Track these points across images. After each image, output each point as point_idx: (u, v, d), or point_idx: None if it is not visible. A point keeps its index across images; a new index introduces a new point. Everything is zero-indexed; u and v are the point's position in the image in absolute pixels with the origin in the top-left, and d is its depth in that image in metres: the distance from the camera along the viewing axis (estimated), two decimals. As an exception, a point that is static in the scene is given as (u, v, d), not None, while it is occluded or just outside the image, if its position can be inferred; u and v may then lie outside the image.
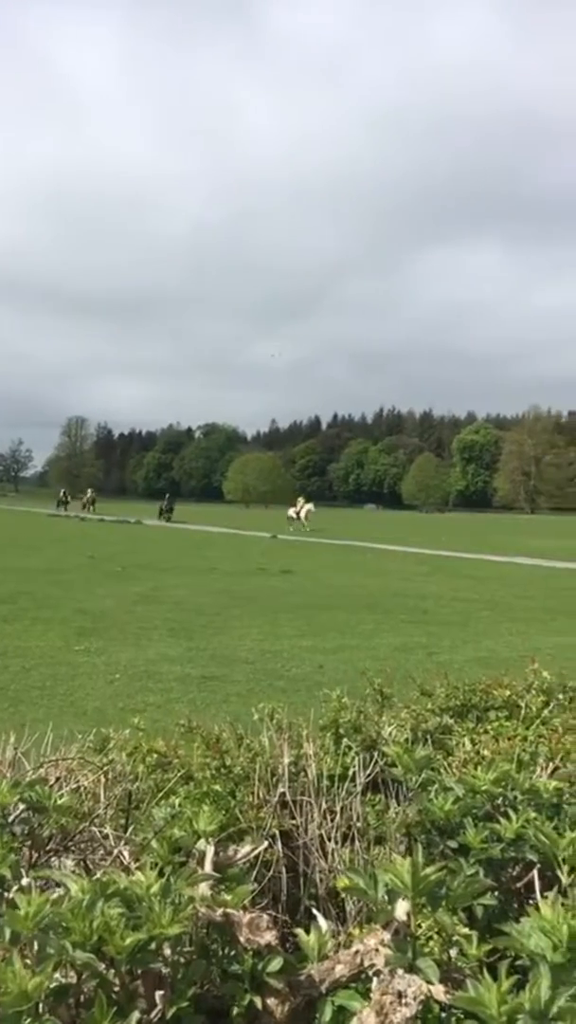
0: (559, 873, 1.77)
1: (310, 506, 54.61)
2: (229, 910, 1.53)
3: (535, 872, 1.94)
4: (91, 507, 70.17)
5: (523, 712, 3.42)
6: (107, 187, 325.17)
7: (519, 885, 2.11)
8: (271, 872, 2.39)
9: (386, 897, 1.58)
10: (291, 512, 54.91)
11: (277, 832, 2.56)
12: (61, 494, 76.41)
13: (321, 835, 2.51)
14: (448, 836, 2.21)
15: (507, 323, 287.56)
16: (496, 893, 2.10)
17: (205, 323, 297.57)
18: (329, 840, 2.52)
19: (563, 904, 1.44)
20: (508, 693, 3.59)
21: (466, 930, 1.75)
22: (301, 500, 55.86)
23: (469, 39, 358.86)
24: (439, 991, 1.53)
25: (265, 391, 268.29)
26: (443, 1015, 1.58)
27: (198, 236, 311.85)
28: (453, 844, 2.17)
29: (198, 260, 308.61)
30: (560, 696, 3.64)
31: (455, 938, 1.78)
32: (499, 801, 2.30)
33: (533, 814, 2.22)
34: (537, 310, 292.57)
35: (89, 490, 77.68)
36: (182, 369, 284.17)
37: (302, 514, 52.96)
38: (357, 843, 2.47)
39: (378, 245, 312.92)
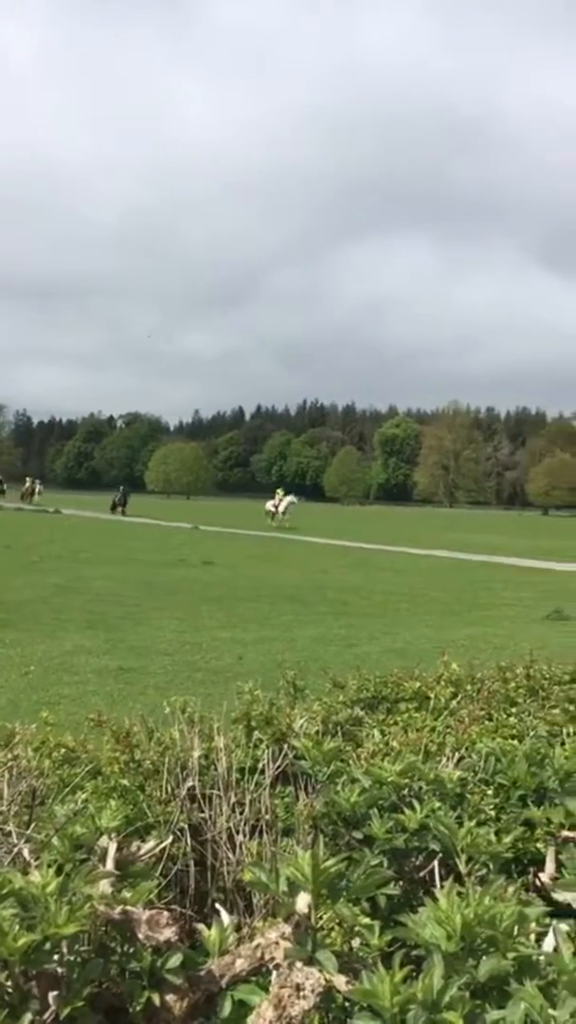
0: (458, 862, 1.81)
1: (291, 498, 50.63)
2: (128, 907, 1.52)
3: (436, 862, 1.97)
4: (30, 498, 65.71)
5: (432, 703, 3.47)
6: (30, 169, 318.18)
7: (422, 875, 2.15)
8: (177, 866, 2.38)
9: (287, 890, 1.58)
10: (269, 506, 50.70)
11: (186, 826, 2.55)
12: None
13: (230, 828, 2.51)
14: (354, 827, 2.23)
15: (428, 319, 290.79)
16: (400, 883, 2.14)
17: (130, 311, 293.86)
18: (238, 833, 2.52)
19: (459, 893, 1.46)
20: (418, 685, 3.65)
21: (367, 920, 1.77)
22: (280, 493, 51.76)
23: (398, 38, 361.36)
24: (341, 982, 1.54)
25: (191, 382, 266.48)
26: (347, 1005, 1.60)
27: (126, 223, 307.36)
28: (358, 835, 2.19)
29: (125, 247, 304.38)
30: (468, 687, 3.71)
31: (357, 929, 1.80)
32: (405, 792, 2.33)
33: (438, 804, 2.25)
34: (458, 306, 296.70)
35: (28, 479, 72.70)
36: (105, 357, 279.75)
37: (281, 507, 49.14)
38: (265, 836, 2.48)
39: (305, 238, 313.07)
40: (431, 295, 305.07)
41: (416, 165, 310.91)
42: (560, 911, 2.06)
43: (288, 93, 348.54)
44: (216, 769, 2.67)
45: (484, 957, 1.36)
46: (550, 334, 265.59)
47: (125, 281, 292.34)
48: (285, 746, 2.75)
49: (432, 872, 2.09)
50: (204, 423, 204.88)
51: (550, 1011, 1.25)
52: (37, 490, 68.45)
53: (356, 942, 1.85)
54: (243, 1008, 1.52)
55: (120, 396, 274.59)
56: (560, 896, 1.99)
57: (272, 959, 1.53)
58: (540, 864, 2.28)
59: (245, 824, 2.51)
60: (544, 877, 2.16)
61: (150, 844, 1.91)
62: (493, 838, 1.91)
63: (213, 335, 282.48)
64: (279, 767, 2.66)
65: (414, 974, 1.33)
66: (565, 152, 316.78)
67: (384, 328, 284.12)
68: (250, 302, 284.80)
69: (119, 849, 1.83)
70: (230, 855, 2.47)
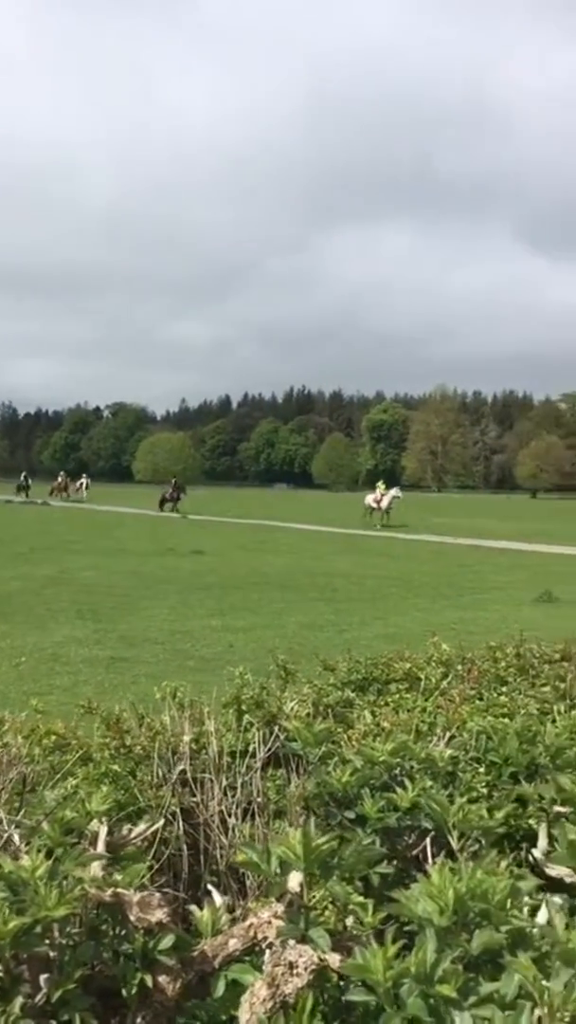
0: (450, 839, 1.80)
1: (396, 492, 42.58)
2: (119, 890, 1.51)
3: (428, 839, 1.97)
4: (63, 493, 63.43)
5: (423, 684, 3.47)
6: (13, 157, 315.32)
7: (415, 852, 2.15)
8: (170, 851, 2.37)
9: (279, 870, 1.58)
10: (370, 500, 41.76)
11: (178, 810, 2.54)
12: None
13: (221, 811, 2.50)
14: (346, 807, 2.23)
15: (415, 304, 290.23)
16: (393, 861, 2.14)
17: (118, 300, 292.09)
18: (230, 816, 2.51)
19: (451, 869, 1.46)
20: (408, 666, 3.65)
21: (361, 898, 1.77)
22: (381, 486, 42.73)
23: (387, 22, 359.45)
24: (334, 960, 1.54)
25: (179, 371, 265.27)
26: (341, 983, 1.59)
27: (114, 212, 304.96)
28: (350, 815, 2.19)
29: (112, 236, 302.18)
30: (459, 667, 3.72)
31: (351, 907, 1.80)
32: (396, 771, 2.33)
33: (429, 782, 2.25)
34: (445, 291, 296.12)
35: (23, 474, 68.70)
36: (92, 347, 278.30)
37: (384, 503, 40.53)
38: (257, 818, 2.47)
39: (294, 225, 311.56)
40: (418, 280, 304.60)
41: (405, 150, 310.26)
42: (553, 885, 2.07)
43: (276, 79, 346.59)
44: (207, 753, 2.66)
45: (477, 931, 1.36)
46: (536, 317, 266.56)
47: (111, 270, 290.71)
48: (276, 728, 2.74)
49: (425, 850, 2.09)
50: (191, 412, 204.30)
51: (544, 982, 1.24)
52: (85, 484, 65.29)
53: (350, 920, 1.85)
54: (237, 987, 1.52)
55: (106, 386, 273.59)
56: (553, 871, 1.99)
57: (265, 938, 1.53)
58: (533, 840, 2.28)
59: (237, 807, 2.50)
60: (537, 852, 2.16)
61: (141, 827, 1.90)
62: (485, 814, 1.91)
63: (200, 323, 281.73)
64: (270, 749, 2.65)
65: (407, 949, 1.33)
66: (552, 136, 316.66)
67: (371, 314, 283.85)
68: (237, 290, 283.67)
69: (110, 833, 1.82)
70: (222, 838, 2.46)
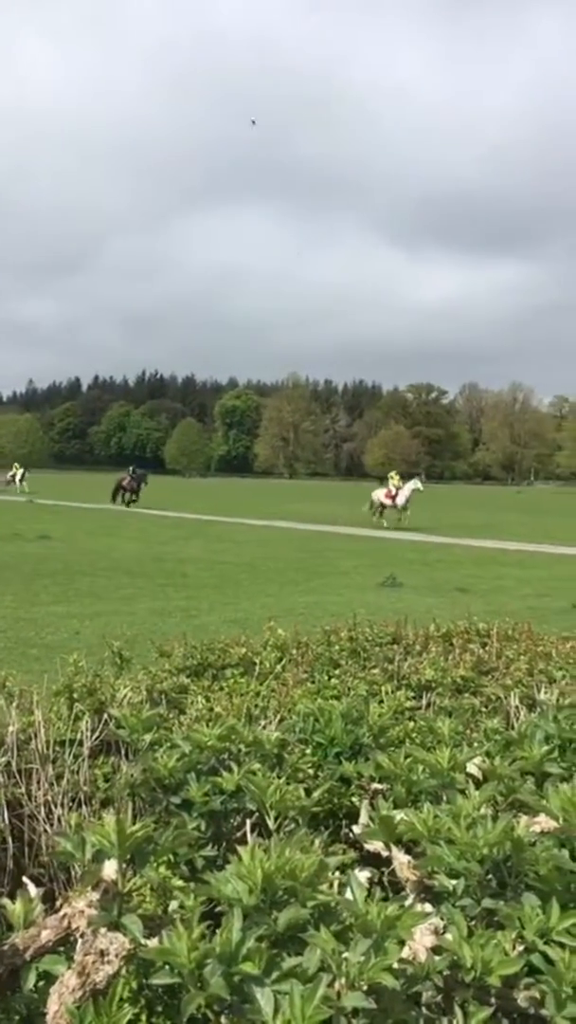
0: (267, 819, 1.84)
1: (415, 484, 33.26)
2: None
3: (247, 821, 2.00)
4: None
5: (258, 668, 3.51)
6: None
7: (240, 834, 2.18)
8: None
9: (94, 859, 1.57)
10: (379, 497, 33.48)
11: (3, 802, 2.48)
12: None
13: (48, 802, 2.46)
14: (172, 792, 2.23)
15: (271, 291, 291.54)
16: (220, 844, 2.16)
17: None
18: (57, 806, 2.47)
19: (263, 849, 1.49)
20: (244, 651, 3.69)
21: (180, 882, 1.78)
22: (394, 477, 33.97)
23: (248, 3, 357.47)
24: (151, 945, 1.54)
25: (26, 351, 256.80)
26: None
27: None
28: (176, 800, 2.20)
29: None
30: (294, 651, 3.78)
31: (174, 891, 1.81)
32: (224, 755, 2.36)
33: (257, 765, 2.29)
34: (299, 280, 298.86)
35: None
36: None
37: (400, 498, 32.43)
38: (84, 807, 2.45)
39: (150, 206, 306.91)
40: (274, 267, 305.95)
41: (264, 134, 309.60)
42: (373, 860, 2.15)
43: (134, 56, 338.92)
44: (34, 743, 2.61)
45: (285, 908, 1.39)
46: (388, 308, 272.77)
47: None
48: (106, 716, 2.72)
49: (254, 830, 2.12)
50: (39, 394, 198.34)
51: (344, 954, 1.29)
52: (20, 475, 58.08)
53: (174, 904, 1.86)
54: (49, 979, 1.50)
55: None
56: (370, 845, 2.06)
57: (78, 928, 1.52)
58: (355, 817, 2.36)
59: (64, 796, 2.47)
60: (357, 828, 2.23)
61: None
62: (302, 794, 1.95)
63: (50, 302, 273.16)
64: (99, 737, 2.62)
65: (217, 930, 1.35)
66: (410, 130, 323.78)
67: (227, 299, 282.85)
68: (90, 269, 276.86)
69: None
70: (49, 829, 2.42)
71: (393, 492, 32.76)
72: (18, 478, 57.97)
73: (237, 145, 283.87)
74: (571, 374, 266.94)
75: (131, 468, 45.00)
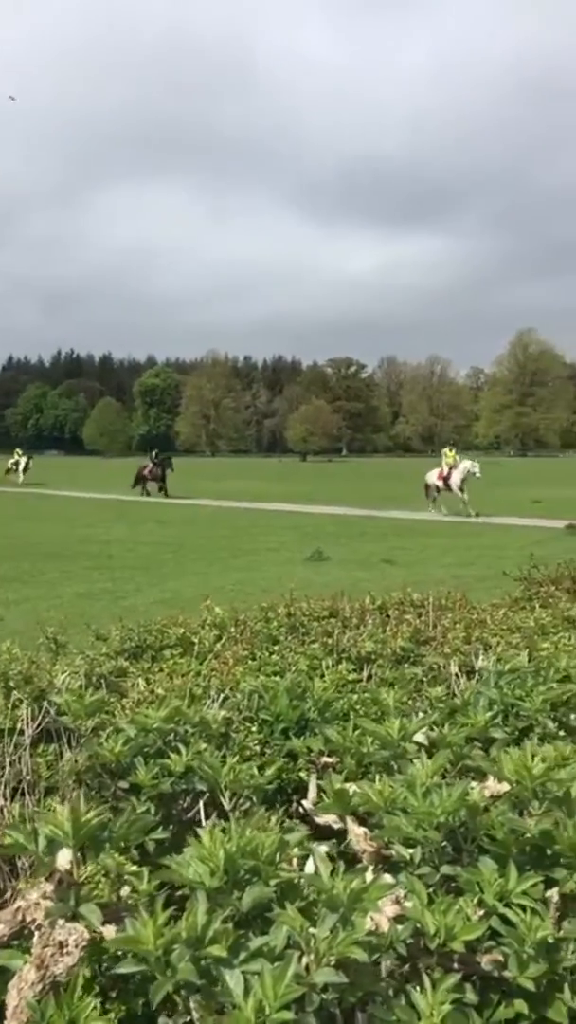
0: (222, 799, 1.82)
1: (469, 464, 28.03)
2: None
3: (201, 801, 1.98)
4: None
5: (196, 648, 3.48)
6: None
7: (191, 815, 2.16)
8: None
9: (48, 849, 1.53)
10: (432, 478, 28.39)
11: None
12: None
13: (-11, 793, 2.40)
14: (120, 777, 2.20)
15: (188, 267, 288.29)
16: (170, 826, 2.14)
17: None
18: (-1, 797, 2.41)
19: (222, 829, 1.47)
20: (182, 631, 3.65)
21: (134, 867, 1.75)
22: (449, 452, 29.08)
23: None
24: (109, 932, 1.51)
25: None
26: (119, 954, 1.57)
27: None
28: (124, 784, 2.17)
29: None
30: (232, 629, 3.76)
31: (127, 877, 1.78)
32: (170, 737, 2.33)
33: (204, 745, 2.27)
34: (216, 256, 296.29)
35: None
36: None
37: (455, 478, 27.36)
38: (27, 797, 2.39)
39: (65, 181, 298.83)
40: (191, 242, 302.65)
41: (178, 109, 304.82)
42: (323, 833, 2.15)
43: (44, 28, 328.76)
44: (-28, 734, 2.53)
45: (248, 888, 1.38)
46: (305, 284, 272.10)
47: None
48: (46, 703, 2.66)
49: (200, 812, 2.10)
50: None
51: (311, 930, 1.28)
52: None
53: (126, 890, 1.83)
54: (5, 974, 1.46)
55: None
56: (321, 819, 2.07)
57: (34, 920, 1.48)
58: (305, 792, 2.36)
59: (6, 787, 2.41)
60: (307, 803, 2.23)
61: None
62: (256, 772, 1.94)
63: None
64: (40, 725, 2.56)
65: (180, 915, 1.33)
66: (322, 106, 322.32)
67: (143, 276, 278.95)
68: (6, 246, 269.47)
69: None
70: (-9, 821, 2.36)
71: (446, 472, 27.81)
72: (21, 467, 47.72)
73: (155, 121, 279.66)
74: (487, 345, 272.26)
75: (153, 452, 40.13)
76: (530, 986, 1.35)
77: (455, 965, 1.42)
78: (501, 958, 1.40)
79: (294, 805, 2.34)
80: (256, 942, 1.26)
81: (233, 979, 1.19)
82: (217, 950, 1.20)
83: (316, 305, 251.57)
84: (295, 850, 1.57)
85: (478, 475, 27.54)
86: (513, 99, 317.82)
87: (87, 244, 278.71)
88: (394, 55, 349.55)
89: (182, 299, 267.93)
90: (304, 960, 1.24)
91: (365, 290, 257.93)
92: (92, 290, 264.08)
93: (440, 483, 27.77)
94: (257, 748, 2.42)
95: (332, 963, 1.23)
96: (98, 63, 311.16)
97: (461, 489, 26.85)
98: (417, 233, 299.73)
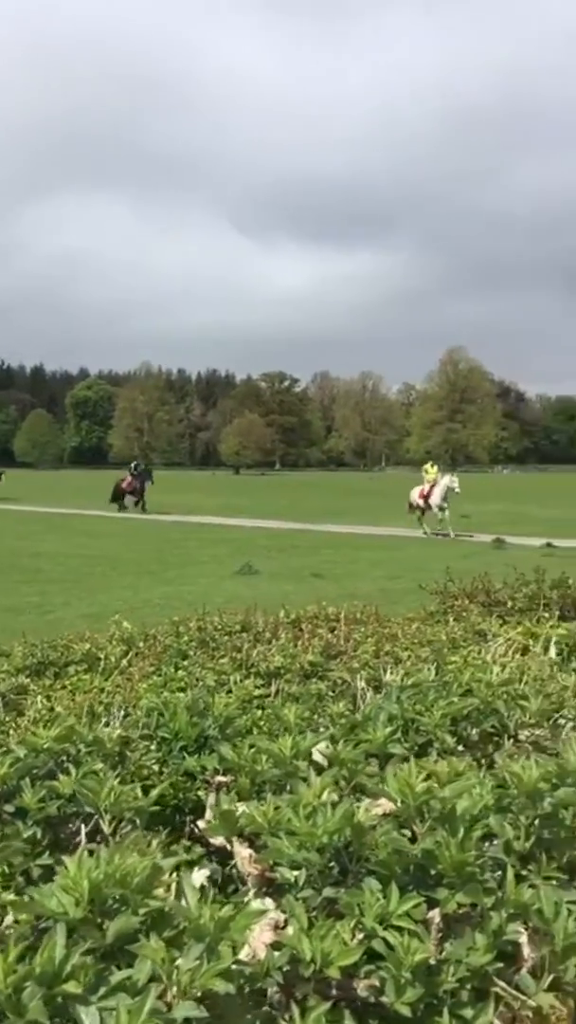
0: (102, 823, 1.76)
1: (450, 479, 26.90)
2: None
3: (82, 826, 1.91)
4: None
5: (103, 664, 3.40)
6: None
7: (77, 840, 2.08)
8: None
9: None
10: (415, 496, 27.39)
11: None
12: None
13: None
14: (6, 801, 2.11)
15: (121, 279, 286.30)
16: (56, 852, 2.05)
17: None
18: None
19: (91, 855, 1.41)
20: (88, 646, 3.56)
21: (11, 896, 1.67)
22: (430, 469, 28.72)
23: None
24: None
25: None
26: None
27: None
28: (10, 808, 2.08)
29: None
30: (141, 644, 3.69)
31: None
32: (63, 758, 2.25)
33: (100, 765, 2.19)
34: (149, 268, 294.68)
35: None
36: None
37: (435, 497, 26.57)
38: None
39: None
40: (126, 254, 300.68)
41: (111, 120, 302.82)
42: (219, 854, 2.10)
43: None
44: None
45: (116, 918, 1.32)
46: (240, 298, 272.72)
47: None
48: None
49: (91, 836, 2.03)
50: None
51: (178, 961, 1.23)
52: None
53: (9, 918, 1.75)
54: None
55: None
56: (215, 840, 2.01)
57: None
58: (203, 811, 2.30)
59: None
60: (202, 823, 2.17)
61: None
62: (140, 793, 1.87)
63: None
64: None
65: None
66: (262, 123, 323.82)
67: (75, 287, 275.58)
68: None
69: None
70: None
71: (426, 490, 27.03)
72: None
73: (90, 132, 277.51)
74: (418, 361, 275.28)
75: (132, 464, 38.54)
76: (406, 1011, 1.32)
77: (332, 991, 1.37)
78: (378, 983, 1.36)
79: (190, 826, 2.28)
80: (118, 976, 1.20)
81: (88, 1017, 1.13)
82: (72, 986, 1.14)
83: (250, 319, 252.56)
84: (172, 875, 1.51)
85: (457, 490, 26.80)
86: (447, 124, 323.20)
87: (18, 254, 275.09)
88: (336, 77, 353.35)
89: (115, 311, 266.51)
90: (168, 993, 1.19)
91: (299, 305, 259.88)
92: (24, 300, 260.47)
93: (422, 501, 27.01)
94: (155, 767, 2.36)
95: (196, 995, 1.18)
96: (31, 74, 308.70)
97: (441, 508, 26.34)
98: (351, 250, 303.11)
